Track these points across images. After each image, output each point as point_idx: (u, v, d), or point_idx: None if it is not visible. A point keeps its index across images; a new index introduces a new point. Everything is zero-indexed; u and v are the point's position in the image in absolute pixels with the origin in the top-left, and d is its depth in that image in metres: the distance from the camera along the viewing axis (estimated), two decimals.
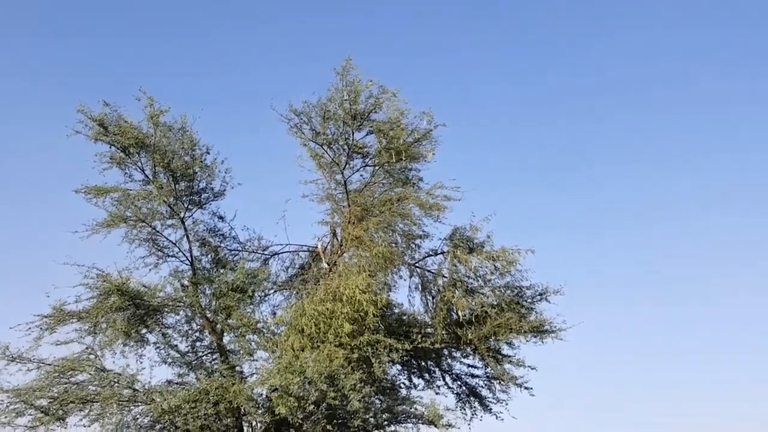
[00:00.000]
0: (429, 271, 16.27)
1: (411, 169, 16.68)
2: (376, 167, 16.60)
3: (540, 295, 15.81)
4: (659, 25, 45.45)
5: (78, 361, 14.02)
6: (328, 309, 13.44)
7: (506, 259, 14.94)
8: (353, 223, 16.08)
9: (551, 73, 47.23)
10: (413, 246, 16.41)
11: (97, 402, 13.73)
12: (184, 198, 15.83)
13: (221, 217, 16.73)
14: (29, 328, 13.96)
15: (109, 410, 13.75)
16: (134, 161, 15.33)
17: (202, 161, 15.75)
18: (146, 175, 15.51)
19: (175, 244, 15.96)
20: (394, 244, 15.96)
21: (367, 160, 16.47)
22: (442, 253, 15.99)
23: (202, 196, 16.18)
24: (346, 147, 16.06)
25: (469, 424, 16.30)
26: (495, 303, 15.36)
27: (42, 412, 13.65)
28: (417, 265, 16.33)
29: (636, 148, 44.68)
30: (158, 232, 15.76)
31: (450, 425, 14.80)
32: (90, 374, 14.05)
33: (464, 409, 16.54)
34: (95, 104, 15.01)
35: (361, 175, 16.84)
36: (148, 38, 46.32)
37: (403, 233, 16.16)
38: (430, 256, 16.18)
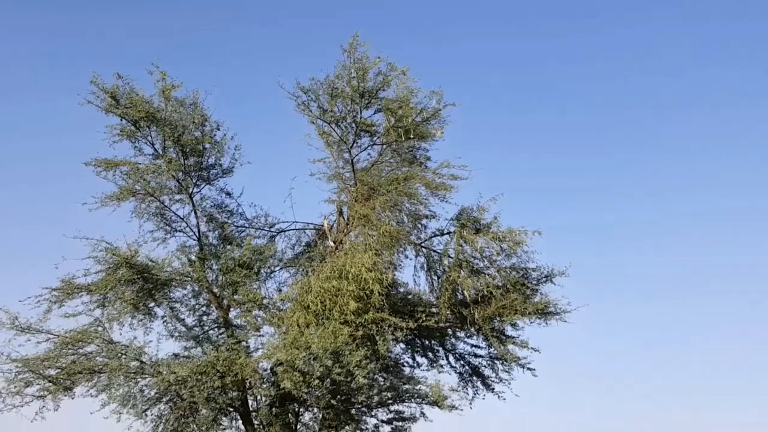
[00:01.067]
0: (435, 251, 16.30)
1: (419, 148, 16.65)
2: (384, 146, 16.57)
3: (546, 277, 15.81)
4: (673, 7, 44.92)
5: (86, 333, 14.16)
6: (333, 286, 13.48)
7: (513, 240, 14.93)
8: (360, 201, 16.10)
9: (561, 54, 46.86)
10: (419, 226, 16.43)
11: (104, 373, 13.89)
12: (192, 173, 15.87)
13: (229, 194, 16.79)
14: (38, 301, 14.10)
15: (116, 381, 13.89)
16: (144, 135, 15.37)
17: (212, 137, 15.77)
18: (156, 149, 15.56)
19: (182, 219, 16.05)
20: (400, 224, 15.99)
21: (374, 138, 16.44)
22: (449, 233, 15.99)
23: (211, 172, 16.23)
24: (353, 125, 16.03)
25: (470, 403, 16.45)
26: (500, 284, 15.37)
27: (50, 382, 13.82)
28: (423, 245, 16.35)
29: (647, 130, 44.45)
30: (166, 206, 15.83)
31: (453, 407, 14.92)
32: (98, 346, 14.21)
33: (466, 389, 16.68)
34: (108, 77, 15.08)
35: (369, 154, 16.86)
36: (162, 15, 46.15)
37: (410, 213, 16.17)
38: (436, 236, 16.20)
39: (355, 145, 16.30)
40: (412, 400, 15.69)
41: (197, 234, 16.07)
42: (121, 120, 15.27)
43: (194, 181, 16.01)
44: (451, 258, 15.72)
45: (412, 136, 15.70)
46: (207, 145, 15.94)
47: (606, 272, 38.82)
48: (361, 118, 15.89)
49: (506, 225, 15.41)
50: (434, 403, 15.15)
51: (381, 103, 15.79)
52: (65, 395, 13.87)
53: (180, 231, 16.11)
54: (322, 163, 16.99)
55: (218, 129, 15.98)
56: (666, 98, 44.72)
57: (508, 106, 45.83)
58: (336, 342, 12.94)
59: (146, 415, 13.96)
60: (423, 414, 15.91)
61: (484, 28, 46.87)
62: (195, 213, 16.06)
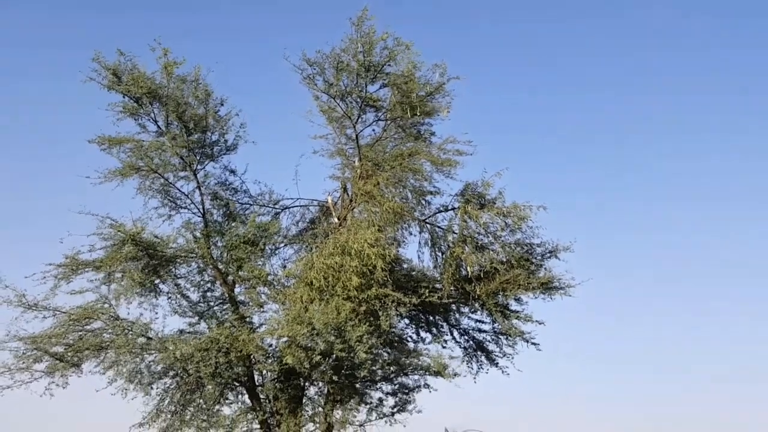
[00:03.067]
0: (439, 227, 16.25)
1: (423, 123, 16.52)
2: (389, 121, 16.45)
3: (550, 252, 15.76)
4: None
5: (92, 310, 14.26)
6: (336, 263, 13.48)
7: (517, 215, 14.84)
8: (364, 177, 16.05)
9: (569, 28, 46.17)
10: (423, 202, 16.37)
11: (111, 349, 14.02)
12: (196, 150, 15.84)
13: (233, 171, 16.78)
14: (44, 278, 14.18)
15: (123, 358, 14.03)
16: (147, 111, 15.33)
17: (215, 112, 15.69)
18: (159, 126, 15.54)
19: (187, 195, 16.06)
20: (404, 200, 15.93)
21: (379, 113, 16.32)
22: (453, 209, 15.93)
23: (215, 149, 16.19)
24: (358, 100, 15.90)
25: (474, 378, 16.55)
26: (504, 259, 15.33)
27: (57, 359, 13.96)
28: (427, 221, 16.31)
29: (655, 105, 43.95)
30: (171, 183, 15.83)
31: (456, 374, 15.03)
32: (104, 322, 14.33)
33: (471, 363, 16.75)
34: (110, 53, 15.03)
35: (373, 130, 16.77)
36: None
37: (414, 189, 16.10)
38: (440, 212, 16.14)
39: (359, 120, 16.19)
40: (415, 372, 15.80)
41: (202, 211, 16.08)
42: (124, 97, 15.25)
43: (198, 157, 15.98)
44: (456, 234, 15.68)
45: (418, 113, 15.55)
46: (211, 121, 15.88)
47: (611, 248, 38.84)
48: (366, 92, 15.75)
49: (511, 200, 15.35)
50: (437, 373, 15.25)
51: (387, 78, 15.65)
52: (73, 372, 14.02)
53: (185, 208, 16.15)
54: (324, 140, 16.95)
55: (222, 105, 15.94)
56: (676, 76, 44.08)
57: (514, 83, 45.33)
58: (338, 318, 12.98)
59: (151, 388, 14.11)
60: (427, 385, 16.03)
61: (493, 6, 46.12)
62: (199, 190, 16.07)
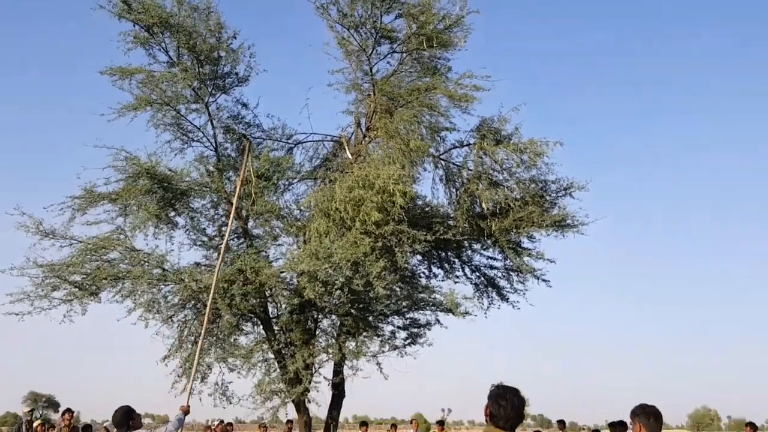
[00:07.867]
0: (454, 163, 16.16)
1: (440, 57, 16.19)
2: (404, 54, 16.12)
3: (565, 189, 15.71)
4: None
5: (108, 240, 14.33)
6: (359, 195, 13.41)
7: (533, 152, 14.68)
8: (378, 112, 15.85)
9: None
10: (438, 138, 16.20)
11: (128, 279, 14.14)
12: (208, 82, 15.55)
13: (245, 104, 16.54)
14: (62, 209, 14.18)
15: (140, 288, 14.17)
16: (158, 41, 14.98)
17: (228, 45, 15.35)
18: (170, 57, 15.19)
19: (199, 129, 15.88)
20: (419, 136, 15.76)
21: (395, 45, 15.96)
22: (468, 145, 15.80)
23: (227, 81, 15.89)
24: (373, 31, 15.54)
25: (485, 313, 16.81)
26: (519, 196, 15.28)
27: (76, 287, 14.11)
28: (441, 157, 16.20)
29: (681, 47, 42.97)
30: (182, 116, 15.62)
31: (467, 313, 15.25)
32: (120, 253, 14.42)
33: (482, 299, 16.96)
34: None
35: (388, 62, 16.42)
36: None
37: (429, 125, 15.91)
38: (455, 147, 16.00)
39: (374, 52, 15.86)
40: (427, 307, 16.01)
41: (214, 144, 15.95)
42: (134, 26, 14.88)
43: (210, 90, 15.71)
44: (470, 170, 15.61)
45: (434, 45, 15.21)
46: (222, 53, 15.56)
47: (628, 187, 38.86)
48: (381, 23, 15.38)
49: (528, 136, 15.19)
50: (448, 310, 15.46)
51: (402, 8, 15.25)
52: (91, 300, 14.19)
53: (197, 141, 15.99)
54: (341, 74, 16.65)
55: (235, 38, 15.56)
56: (707, 20, 42.84)
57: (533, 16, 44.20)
58: (357, 252, 13.06)
59: (172, 321, 14.33)
60: (438, 320, 16.29)
61: None
62: (211, 123, 15.87)
